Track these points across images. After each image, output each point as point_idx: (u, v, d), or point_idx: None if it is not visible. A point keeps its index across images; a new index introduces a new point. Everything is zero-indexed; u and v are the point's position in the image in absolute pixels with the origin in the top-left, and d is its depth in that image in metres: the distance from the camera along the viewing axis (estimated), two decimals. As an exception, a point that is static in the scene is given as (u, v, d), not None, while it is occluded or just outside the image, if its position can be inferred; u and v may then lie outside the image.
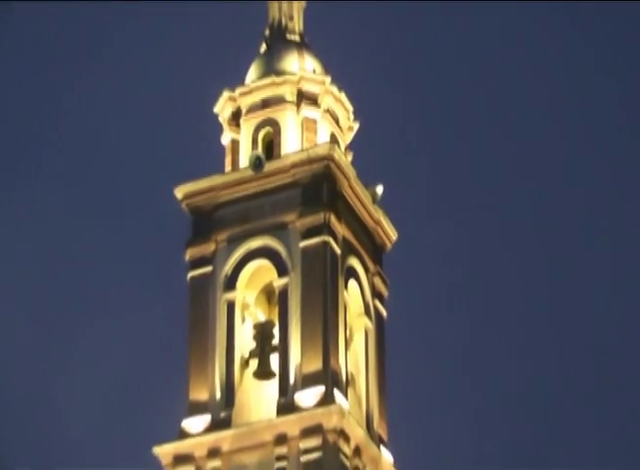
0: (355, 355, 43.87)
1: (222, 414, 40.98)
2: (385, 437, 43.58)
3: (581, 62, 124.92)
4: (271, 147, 44.39)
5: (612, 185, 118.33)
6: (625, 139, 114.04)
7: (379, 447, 42.25)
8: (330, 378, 40.37)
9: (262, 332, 42.35)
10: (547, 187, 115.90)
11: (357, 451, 40.48)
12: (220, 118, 45.98)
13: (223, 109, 45.68)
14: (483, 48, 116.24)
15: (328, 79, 45.93)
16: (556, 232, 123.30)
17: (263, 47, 47.25)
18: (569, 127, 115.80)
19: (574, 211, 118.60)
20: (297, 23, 48.31)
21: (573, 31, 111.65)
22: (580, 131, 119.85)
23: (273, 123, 44.78)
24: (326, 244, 41.54)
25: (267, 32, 47.51)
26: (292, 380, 41.24)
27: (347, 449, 39.83)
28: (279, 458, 39.53)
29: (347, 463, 39.84)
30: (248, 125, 44.99)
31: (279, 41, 47.34)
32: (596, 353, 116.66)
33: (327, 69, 47.39)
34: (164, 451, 40.38)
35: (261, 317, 43.12)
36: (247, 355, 42.14)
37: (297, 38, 47.56)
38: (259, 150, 43.77)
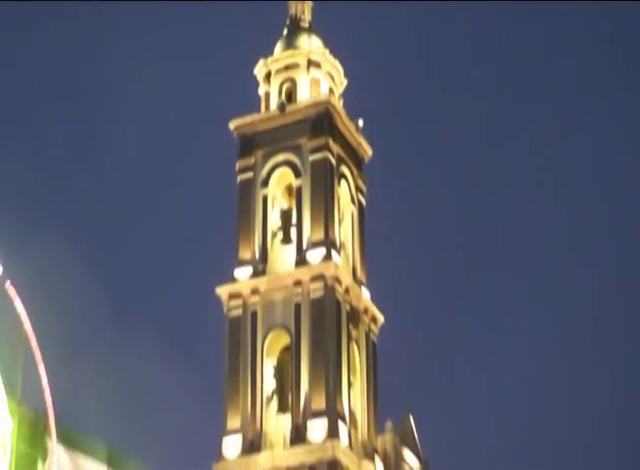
0: (345, 229, 54.66)
1: (259, 267, 52.08)
2: (364, 281, 54.46)
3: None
4: (290, 96, 55.99)
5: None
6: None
7: (360, 288, 53.45)
8: (328, 245, 51.06)
9: (284, 216, 53.73)
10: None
11: (347, 291, 51.89)
12: (258, 78, 57.16)
13: (260, 71, 56.62)
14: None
15: (327, 51, 57.03)
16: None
17: (285, 31, 57.94)
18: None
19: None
20: (307, 16, 59.59)
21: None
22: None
23: (292, 80, 56.35)
24: (326, 158, 53.08)
25: (287, 22, 58.41)
26: (304, 246, 51.81)
27: (340, 290, 51.35)
28: (296, 295, 50.72)
29: (340, 298, 51.18)
30: (275, 82, 56.37)
31: (295, 27, 58.65)
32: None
33: (326, 44, 58.20)
34: (223, 290, 51.74)
35: (284, 206, 54.11)
36: (275, 229, 52.94)
37: (307, 25, 59.04)
38: (283, 97, 54.88)
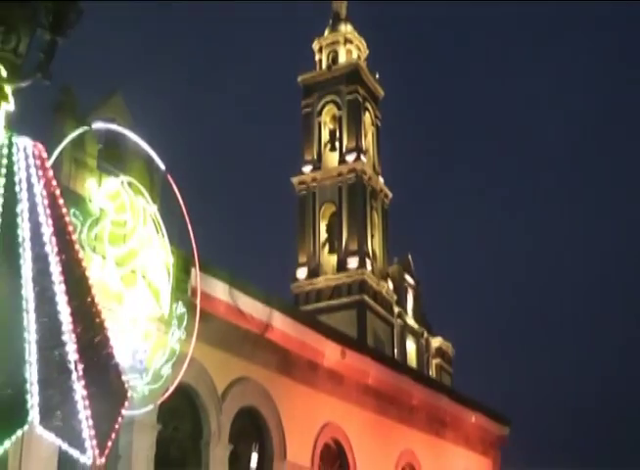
0: (368, 141, 62.42)
1: (317, 164, 61.22)
2: (380, 172, 62.75)
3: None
4: (334, 60, 64.50)
5: None
6: None
7: (377, 176, 61.98)
8: (358, 150, 60.13)
9: (331, 134, 62.43)
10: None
11: (369, 178, 59.54)
12: (314, 49, 66.00)
13: (315, 46, 65.83)
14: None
15: (355, 32, 65.54)
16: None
17: (330, 21, 66.70)
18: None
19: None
20: (343, 10, 67.00)
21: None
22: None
23: (334, 51, 65.09)
24: (356, 98, 62.05)
25: (332, 14, 67.01)
26: (344, 151, 60.63)
27: (365, 178, 60.05)
28: (339, 182, 59.91)
29: (365, 183, 59.90)
30: (325, 52, 65.38)
31: (336, 18, 66.70)
32: None
33: (355, 27, 66.31)
34: (295, 180, 60.90)
35: (331, 127, 62.62)
36: (326, 141, 62.05)
37: (343, 16, 66.72)
38: (330, 61, 64.49)
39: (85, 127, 13.98)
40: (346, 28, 65.33)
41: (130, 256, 14.42)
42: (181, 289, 15.67)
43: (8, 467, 12.79)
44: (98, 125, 14.51)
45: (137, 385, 13.41)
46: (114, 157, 15.15)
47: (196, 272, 16.32)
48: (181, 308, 15.01)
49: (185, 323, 14.95)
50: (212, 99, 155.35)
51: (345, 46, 64.58)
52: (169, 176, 14.77)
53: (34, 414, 5.62)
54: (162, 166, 14.85)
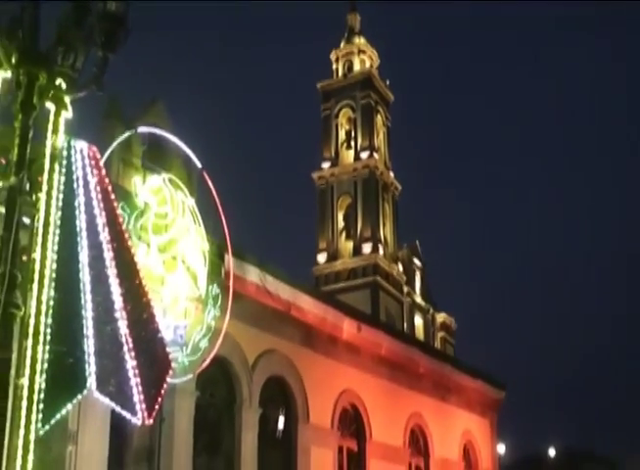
0: (380, 140, 61.98)
1: (334, 161, 60.56)
2: (390, 167, 62.25)
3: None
4: (349, 68, 64.00)
5: None
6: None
7: (388, 171, 61.47)
8: (371, 148, 59.57)
9: (347, 134, 61.58)
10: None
11: (381, 173, 59.98)
12: (332, 59, 65.25)
13: (333, 56, 65.05)
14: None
15: (368, 44, 64.82)
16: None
17: (345, 34, 66.00)
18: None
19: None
20: (357, 24, 66.37)
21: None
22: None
23: (349, 60, 64.37)
24: (369, 102, 61.65)
25: (347, 28, 66.31)
26: (358, 149, 60.09)
27: (377, 173, 59.63)
28: (354, 176, 59.53)
29: (378, 178, 59.60)
30: (341, 61, 64.72)
31: (351, 31, 65.98)
32: None
33: (367, 39, 65.46)
34: (315, 175, 60.44)
35: (347, 128, 61.92)
36: (342, 141, 61.07)
37: (357, 30, 66.04)
38: (346, 70, 63.90)
39: (131, 131, 14.21)
40: (360, 41, 65.13)
41: (171, 243, 14.62)
42: (216, 272, 15.80)
43: (68, 427, 12.88)
44: (142, 129, 14.77)
45: (178, 357, 13.60)
46: (156, 157, 15.29)
47: (229, 257, 16.40)
48: (216, 289, 15.22)
49: (219, 302, 15.19)
50: (245, 105, 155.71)
51: (359, 56, 64.37)
52: (205, 173, 14.95)
53: (92, 381, 5.76)
54: (199, 165, 15.06)
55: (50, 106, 5.79)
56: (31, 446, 5.26)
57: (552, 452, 49.57)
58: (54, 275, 5.69)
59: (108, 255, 6.05)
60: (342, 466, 22.12)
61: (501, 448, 33.72)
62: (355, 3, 66.71)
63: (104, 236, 6.08)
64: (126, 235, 6.51)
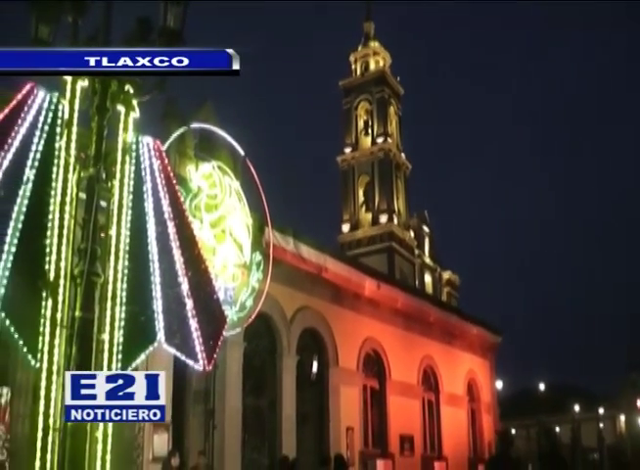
0: (392, 127, 59.87)
1: (355, 146, 59.00)
2: (402, 149, 60.07)
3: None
4: (367, 68, 62.23)
5: None
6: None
7: (400, 153, 59.79)
8: (385, 134, 58.29)
9: (365, 124, 59.49)
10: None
11: (394, 155, 57.99)
12: (351, 61, 63.26)
13: (352, 58, 63.10)
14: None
15: (382, 47, 63.08)
16: None
17: (362, 39, 63.50)
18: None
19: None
20: (372, 30, 64.07)
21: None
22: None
23: (366, 61, 62.53)
24: (383, 96, 60.15)
25: (364, 34, 63.98)
26: (375, 135, 58.55)
27: (391, 155, 57.94)
28: (372, 158, 58.08)
29: (391, 159, 58.11)
30: (359, 63, 62.85)
31: (366, 36, 63.45)
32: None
33: (381, 42, 63.38)
34: (339, 158, 59.23)
35: (365, 118, 60.08)
36: (361, 129, 59.90)
37: (372, 34, 63.58)
38: (363, 69, 62.13)
39: (186, 127, 14.27)
40: (374, 44, 63.59)
41: (220, 220, 14.64)
42: (258, 242, 15.77)
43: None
44: (194, 125, 14.79)
45: (228, 314, 13.62)
46: (206, 148, 15.16)
47: (268, 230, 16.40)
48: (258, 257, 15.39)
49: (262, 267, 15.39)
50: (277, 102, 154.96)
51: (374, 57, 63.01)
52: (247, 160, 14.96)
53: (161, 335, 5.84)
54: (242, 153, 15.06)
55: (120, 108, 5.86)
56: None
57: (542, 387, 49.24)
58: (127, 248, 5.76)
59: (171, 230, 6.07)
60: (366, 401, 22.14)
61: (499, 384, 33.65)
62: (371, 14, 65.12)
63: (167, 215, 6.10)
64: (186, 213, 6.52)
